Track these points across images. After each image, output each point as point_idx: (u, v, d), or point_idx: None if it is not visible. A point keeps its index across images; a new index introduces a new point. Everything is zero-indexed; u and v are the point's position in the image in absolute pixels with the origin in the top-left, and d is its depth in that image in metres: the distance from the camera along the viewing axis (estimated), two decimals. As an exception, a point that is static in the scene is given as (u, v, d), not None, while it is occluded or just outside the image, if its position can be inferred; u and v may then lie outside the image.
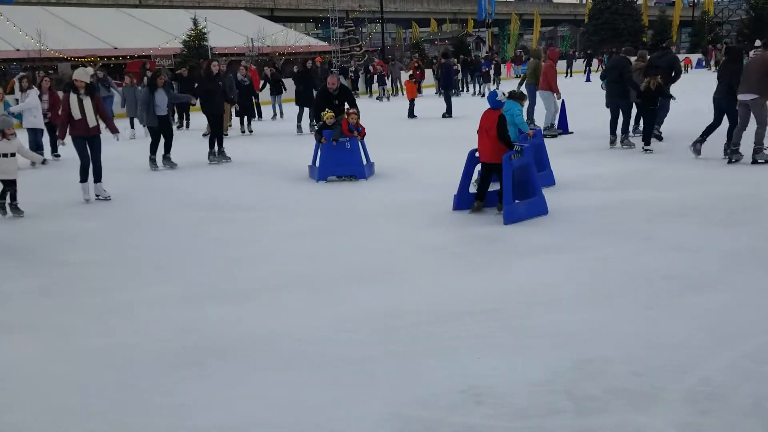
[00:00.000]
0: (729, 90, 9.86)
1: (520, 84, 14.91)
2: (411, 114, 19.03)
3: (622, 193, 8.22)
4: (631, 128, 12.06)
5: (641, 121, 11.70)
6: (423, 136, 14.79)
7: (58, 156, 13.10)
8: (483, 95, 24.42)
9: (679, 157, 10.44)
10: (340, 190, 9.27)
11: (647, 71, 12.03)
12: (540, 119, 14.17)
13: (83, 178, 9.10)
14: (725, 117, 10.02)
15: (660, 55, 12.61)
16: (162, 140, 11.58)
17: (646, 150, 11.14)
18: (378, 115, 19.26)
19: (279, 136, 16.07)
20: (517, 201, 7.20)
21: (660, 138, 12.23)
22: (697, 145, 10.30)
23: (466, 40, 52.50)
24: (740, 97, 9.53)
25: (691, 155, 10.25)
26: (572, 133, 13.86)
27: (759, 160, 9.59)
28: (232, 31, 36.15)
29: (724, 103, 10.01)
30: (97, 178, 9.20)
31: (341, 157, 9.74)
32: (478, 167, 7.62)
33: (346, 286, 5.33)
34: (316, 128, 10.07)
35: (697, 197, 7.80)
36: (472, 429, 3.19)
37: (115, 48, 31.49)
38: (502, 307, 4.71)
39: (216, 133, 12.29)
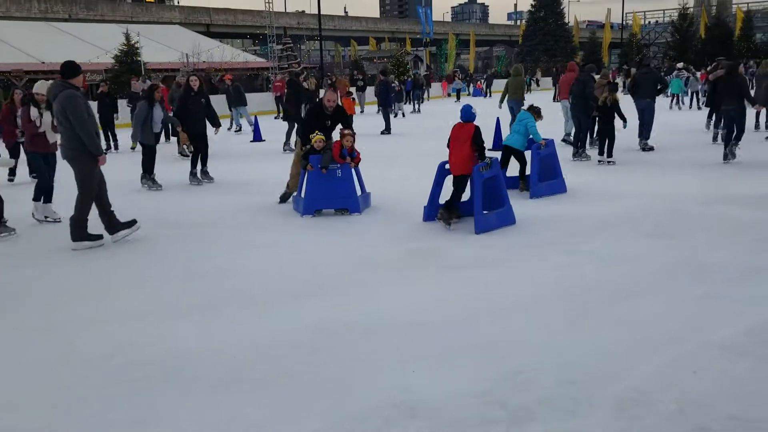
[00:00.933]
0: (741, 101, 11.12)
1: (501, 100, 15.58)
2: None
3: (567, 206, 8.46)
4: (588, 142, 12.70)
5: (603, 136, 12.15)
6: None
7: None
8: (396, 115, 24.55)
9: (627, 169, 10.83)
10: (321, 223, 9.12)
11: (633, 89, 13.62)
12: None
13: (38, 197, 8.48)
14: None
15: (644, 72, 13.79)
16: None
17: (609, 162, 11.71)
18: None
19: (269, 155, 15.35)
20: (485, 211, 7.37)
21: (650, 149, 13.38)
22: (734, 150, 11.44)
23: (405, 58, 53.15)
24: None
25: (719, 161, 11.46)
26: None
27: None
28: (166, 47, 35.56)
29: (735, 113, 11.21)
30: (48, 199, 8.55)
31: (331, 187, 8.27)
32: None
33: (282, 302, 5.25)
34: (302, 152, 8.53)
35: (629, 209, 8.05)
36: (406, 442, 3.17)
37: (43, 62, 30.50)
38: (435, 321, 4.73)
39: (200, 152, 11.30)
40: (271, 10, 41.17)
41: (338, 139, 8.41)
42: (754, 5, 66.40)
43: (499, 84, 39.66)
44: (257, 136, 18.00)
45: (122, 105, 19.37)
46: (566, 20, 63.90)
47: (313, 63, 49.23)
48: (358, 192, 8.52)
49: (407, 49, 57.74)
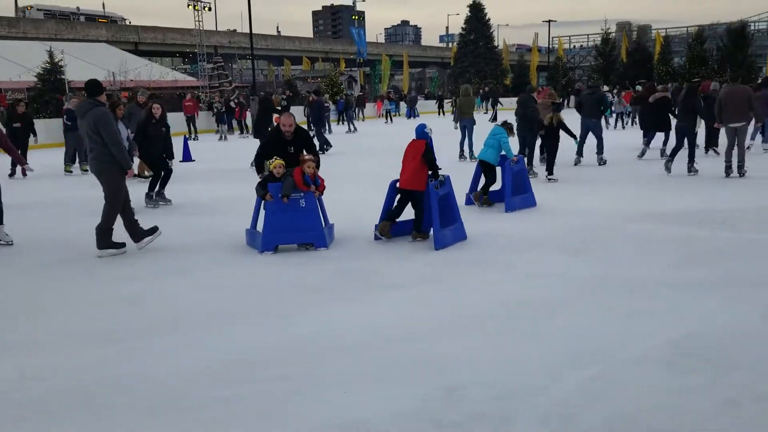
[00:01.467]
0: (693, 120, 12.71)
1: (456, 120, 16.34)
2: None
3: (503, 223, 8.65)
4: (537, 159, 13.33)
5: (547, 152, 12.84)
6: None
7: None
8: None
9: (564, 186, 11.11)
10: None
11: (579, 108, 14.62)
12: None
13: None
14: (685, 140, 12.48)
15: (590, 93, 14.90)
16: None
17: (549, 179, 12.23)
18: (241, 153, 18.99)
19: (206, 175, 14.93)
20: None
21: (605, 162, 14.56)
22: (669, 164, 12.67)
23: (339, 78, 53.39)
24: (731, 124, 11.94)
25: (663, 172, 12.61)
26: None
27: (744, 173, 12.08)
28: (91, 65, 34.63)
29: (688, 130, 12.58)
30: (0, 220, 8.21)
31: (294, 218, 7.37)
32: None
33: (215, 326, 5.13)
34: (259, 179, 7.65)
35: (559, 226, 8.27)
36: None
37: (-38, 79, 29.28)
38: (370, 340, 4.72)
39: (161, 175, 10.91)
40: (201, 28, 40.73)
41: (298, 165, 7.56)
42: (672, 30, 69.81)
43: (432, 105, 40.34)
44: (187, 157, 17.69)
45: (46, 125, 18.69)
46: (496, 43, 65.53)
47: (245, 82, 48.87)
48: (323, 224, 7.64)
49: (341, 70, 58.05)
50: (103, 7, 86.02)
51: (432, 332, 4.85)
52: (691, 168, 12.68)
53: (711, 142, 16.01)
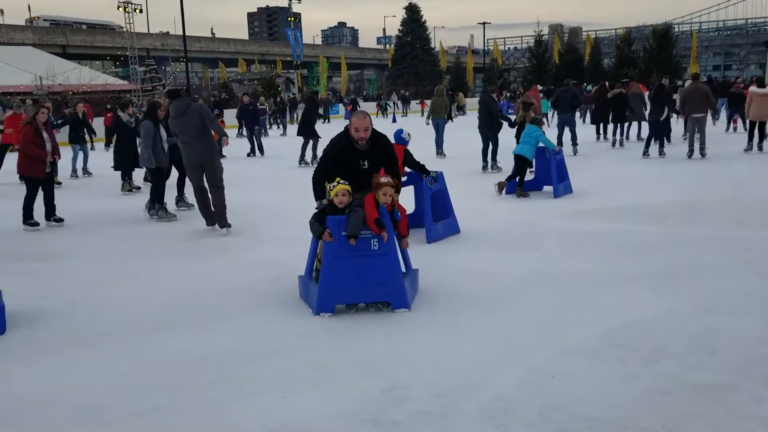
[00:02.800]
0: (661, 111, 14.94)
1: (428, 117, 17.38)
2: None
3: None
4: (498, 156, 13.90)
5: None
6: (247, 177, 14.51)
7: None
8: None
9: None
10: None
11: (555, 104, 16.77)
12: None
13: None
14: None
15: (565, 90, 16.79)
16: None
17: (531, 171, 12.72)
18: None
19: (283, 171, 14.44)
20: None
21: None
22: (647, 154, 14.95)
23: (276, 80, 52.89)
24: (693, 114, 14.31)
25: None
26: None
27: (705, 154, 14.44)
28: (17, 68, 33.37)
29: (659, 120, 14.94)
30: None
31: (362, 268, 5.25)
32: None
33: (143, 335, 4.99)
34: (315, 210, 5.51)
35: (494, 223, 8.39)
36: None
37: None
38: (306, 343, 4.68)
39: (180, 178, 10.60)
40: (132, 30, 39.76)
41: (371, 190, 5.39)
42: (602, 33, 71.99)
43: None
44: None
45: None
46: (432, 45, 66.20)
47: (179, 85, 47.93)
48: (403, 271, 5.60)
49: (278, 72, 57.55)
50: (29, 10, 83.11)
51: (366, 333, 4.84)
52: (661, 152, 15.17)
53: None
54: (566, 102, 16.41)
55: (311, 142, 16.06)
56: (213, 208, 8.53)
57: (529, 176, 10.99)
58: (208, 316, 5.37)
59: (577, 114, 27.52)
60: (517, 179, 10.56)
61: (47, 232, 9.16)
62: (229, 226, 8.50)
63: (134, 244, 8.19)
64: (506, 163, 12.97)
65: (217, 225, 8.54)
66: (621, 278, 6.00)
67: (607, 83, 20.41)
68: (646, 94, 20.08)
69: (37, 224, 9.20)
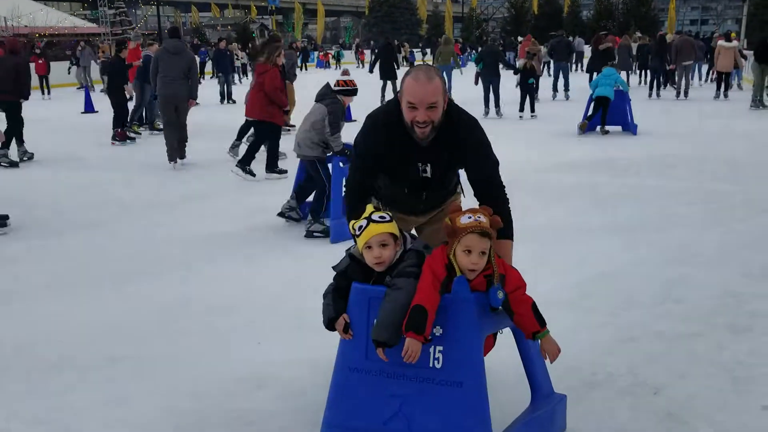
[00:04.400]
0: (662, 60, 17.98)
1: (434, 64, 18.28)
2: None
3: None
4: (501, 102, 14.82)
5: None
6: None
7: None
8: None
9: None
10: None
11: (551, 53, 18.51)
12: None
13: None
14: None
15: (559, 41, 18.45)
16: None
17: (532, 116, 14.29)
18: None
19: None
20: None
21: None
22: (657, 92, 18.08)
23: (250, 26, 51.72)
24: (683, 63, 17.40)
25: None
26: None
27: (687, 95, 17.67)
28: (-21, 9, 32.19)
29: (659, 67, 18.17)
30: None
31: (408, 401, 2.57)
32: None
33: (119, 283, 4.98)
34: (334, 277, 2.78)
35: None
36: (251, 413, 3.13)
37: None
38: (282, 293, 4.70)
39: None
40: (101, -30, 38.48)
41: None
42: (580, -16, 71.14)
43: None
44: (89, 107, 16.84)
45: None
46: (410, -8, 65.09)
47: (150, 29, 46.65)
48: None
49: (252, 17, 56.27)
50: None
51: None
52: (659, 94, 18.11)
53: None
54: (561, 50, 18.00)
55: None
56: (176, 143, 9.34)
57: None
58: (180, 265, 5.36)
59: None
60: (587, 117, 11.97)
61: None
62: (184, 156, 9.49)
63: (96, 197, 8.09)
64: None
65: (177, 158, 9.36)
66: (594, 230, 6.08)
67: (602, 34, 21.15)
68: (635, 46, 22.13)
69: (284, 171, 8.53)
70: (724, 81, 17.71)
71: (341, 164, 5.91)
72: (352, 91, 6.24)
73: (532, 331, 2.56)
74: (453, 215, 2.52)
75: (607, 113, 11.78)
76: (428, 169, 2.90)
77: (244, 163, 8.34)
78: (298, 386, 3.35)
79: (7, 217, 6.37)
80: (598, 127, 11.90)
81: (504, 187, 2.97)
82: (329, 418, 2.69)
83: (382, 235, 2.56)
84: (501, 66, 14.76)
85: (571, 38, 24.09)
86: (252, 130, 9.16)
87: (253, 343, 3.87)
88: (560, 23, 55.97)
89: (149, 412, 3.16)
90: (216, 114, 16.04)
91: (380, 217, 2.61)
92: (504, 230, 2.74)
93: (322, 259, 5.34)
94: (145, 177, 8.89)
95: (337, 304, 2.70)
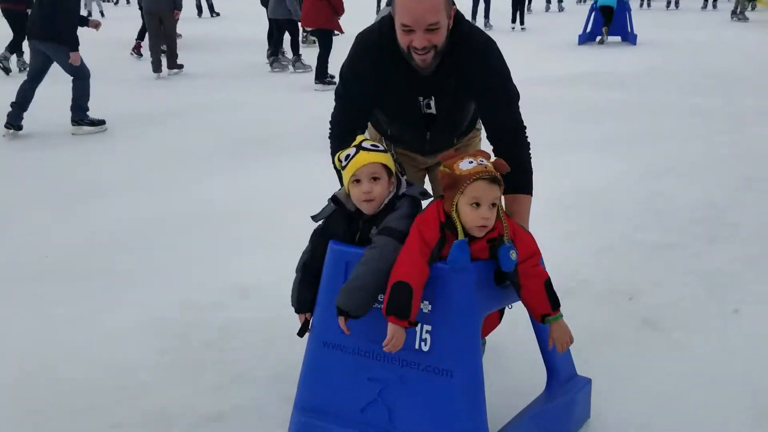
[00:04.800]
0: None
1: None
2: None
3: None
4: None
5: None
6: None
7: None
8: None
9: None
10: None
11: None
12: None
13: None
14: None
15: None
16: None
17: (522, 29, 14.46)
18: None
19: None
20: None
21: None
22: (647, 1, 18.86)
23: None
24: None
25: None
26: None
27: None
28: None
29: None
30: None
31: (389, 388, 2.12)
32: None
33: (99, 198, 4.95)
34: (311, 236, 2.35)
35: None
36: (236, 323, 3.17)
37: None
38: (267, 204, 4.70)
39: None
40: None
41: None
42: None
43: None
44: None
45: None
46: None
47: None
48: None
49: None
50: None
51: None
52: (649, 4, 19.05)
53: None
54: None
55: None
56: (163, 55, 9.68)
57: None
58: (167, 180, 5.33)
59: None
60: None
61: None
62: (181, 66, 9.85)
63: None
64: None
65: (166, 68, 9.71)
66: (577, 144, 6.08)
67: None
68: None
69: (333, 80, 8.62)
70: None
71: None
72: None
73: (541, 313, 2.10)
74: (449, 161, 2.05)
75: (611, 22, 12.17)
76: (432, 103, 2.40)
77: (323, 76, 8.78)
78: (276, 297, 3.37)
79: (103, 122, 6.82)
80: (598, 37, 11.83)
81: (525, 128, 2.47)
82: (301, 399, 2.26)
83: (374, 166, 2.11)
84: None
85: None
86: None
87: (237, 254, 3.89)
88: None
89: (130, 324, 3.17)
90: (200, 26, 15.59)
91: (372, 145, 2.18)
92: (521, 182, 2.32)
93: (296, 167, 5.35)
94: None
95: (302, 293, 2.28)
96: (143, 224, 4.40)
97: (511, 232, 2.05)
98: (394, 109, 2.48)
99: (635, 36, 12.14)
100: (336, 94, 2.48)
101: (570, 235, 4.09)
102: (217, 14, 18.17)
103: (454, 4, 2.25)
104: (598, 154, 5.79)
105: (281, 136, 6.50)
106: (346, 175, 2.14)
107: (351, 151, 2.15)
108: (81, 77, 6.49)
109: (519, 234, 2.09)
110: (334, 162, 2.28)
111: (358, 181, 2.11)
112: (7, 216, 4.60)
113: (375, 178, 2.11)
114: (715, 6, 17.43)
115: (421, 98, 2.39)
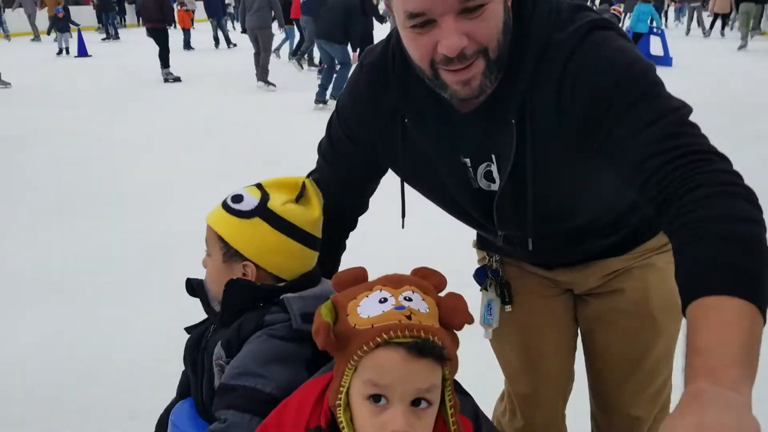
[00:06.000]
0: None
1: None
2: (187, 46, 17.94)
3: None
4: None
5: None
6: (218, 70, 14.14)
7: None
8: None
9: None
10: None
11: None
12: None
13: None
14: None
15: None
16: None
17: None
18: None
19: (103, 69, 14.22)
20: None
21: None
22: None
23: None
24: (691, 4, 18.63)
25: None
26: None
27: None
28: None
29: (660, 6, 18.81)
30: None
31: None
32: None
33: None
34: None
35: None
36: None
37: None
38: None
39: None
40: None
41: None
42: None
43: None
44: (83, 51, 16.60)
45: None
46: None
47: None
48: None
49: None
50: None
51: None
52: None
53: None
54: None
55: None
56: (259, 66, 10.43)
57: None
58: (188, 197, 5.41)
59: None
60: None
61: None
62: (272, 84, 10.35)
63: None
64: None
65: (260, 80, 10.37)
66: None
67: None
68: None
69: None
70: (721, 21, 18.84)
71: None
72: None
73: None
74: (341, 295, 1.03)
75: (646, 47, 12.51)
76: (492, 169, 1.21)
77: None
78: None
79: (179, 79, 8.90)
80: None
81: (721, 156, 1.02)
82: None
83: (208, 230, 1.31)
84: None
85: None
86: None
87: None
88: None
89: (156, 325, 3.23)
90: (215, 60, 15.84)
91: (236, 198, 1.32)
92: (733, 269, 0.85)
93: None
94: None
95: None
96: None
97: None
98: (425, 185, 1.32)
99: (671, 59, 12.39)
100: (319, 159, 1.45)
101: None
102: (234, 45, 18.33)
103: None
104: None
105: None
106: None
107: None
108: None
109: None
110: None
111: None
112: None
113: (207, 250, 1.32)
114: (722, 34, 18.75)
115: (467, 160, 1.22)
